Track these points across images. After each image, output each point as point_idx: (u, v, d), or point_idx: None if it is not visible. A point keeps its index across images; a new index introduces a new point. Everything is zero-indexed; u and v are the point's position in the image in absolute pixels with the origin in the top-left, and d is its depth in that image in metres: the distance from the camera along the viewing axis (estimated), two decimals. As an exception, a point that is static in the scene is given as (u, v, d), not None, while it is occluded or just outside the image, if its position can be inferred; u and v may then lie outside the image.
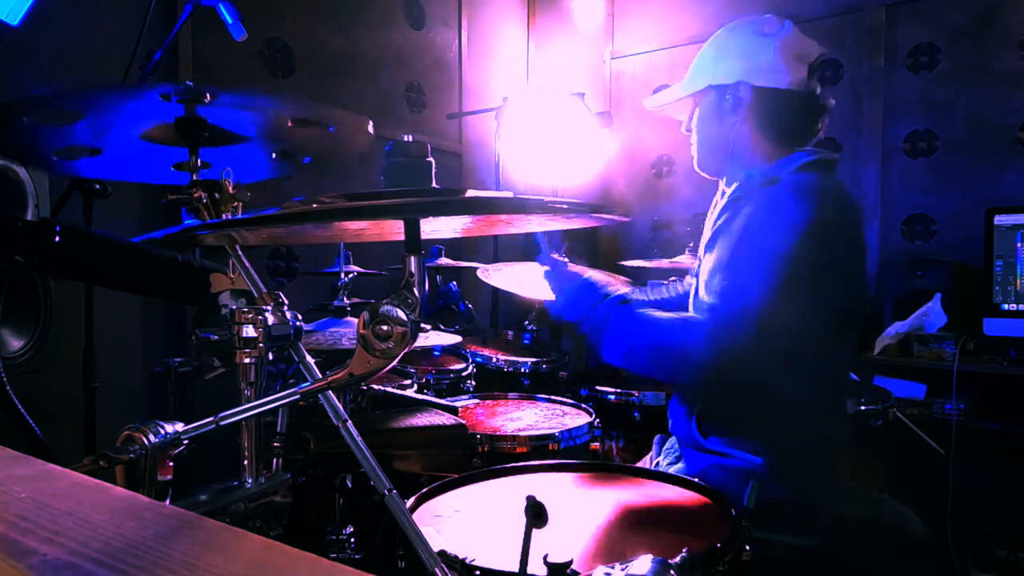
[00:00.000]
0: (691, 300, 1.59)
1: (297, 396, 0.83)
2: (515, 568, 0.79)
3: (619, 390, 2.24)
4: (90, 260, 1.12)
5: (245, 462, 0.96)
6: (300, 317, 0.96)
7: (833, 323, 1.33)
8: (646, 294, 1.84)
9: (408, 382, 1.92)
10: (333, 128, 1.14)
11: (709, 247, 1.51)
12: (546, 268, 1.49)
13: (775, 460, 1.37)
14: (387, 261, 2.81)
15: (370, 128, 1.15)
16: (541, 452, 1.59)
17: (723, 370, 1.26)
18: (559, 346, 3.14)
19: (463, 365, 2.25)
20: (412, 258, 0.78)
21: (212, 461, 1.15)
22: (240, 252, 0.97)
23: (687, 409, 1.50)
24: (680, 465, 1.51)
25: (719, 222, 1.51)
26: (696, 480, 1.23)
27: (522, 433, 1.64)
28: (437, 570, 0.79)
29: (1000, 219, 2.67)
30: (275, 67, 2.80)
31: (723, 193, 1.56)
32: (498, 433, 1.64)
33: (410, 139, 2.04)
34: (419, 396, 1.60)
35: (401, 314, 0.76)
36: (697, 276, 1.55)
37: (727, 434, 1.42)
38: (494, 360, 2.36)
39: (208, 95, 0.97)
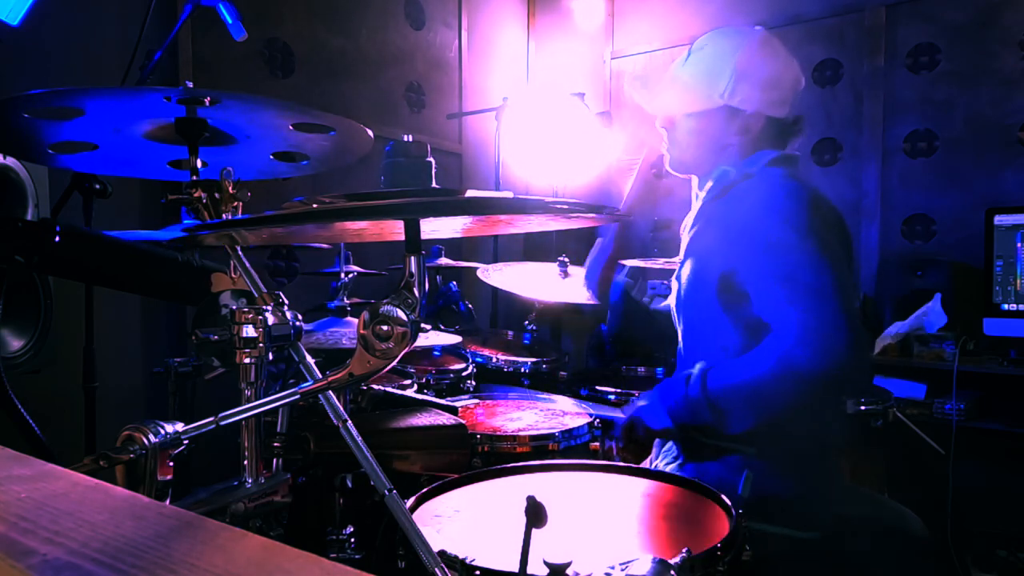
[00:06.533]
0: (674, 303, 1.59)
1: (297, 396, 0.83)
2: (515, 568, 0.79)
3: (619, 390, 2.24)
4: (90, 260, 1.12)
5: (245, 462, 0.96)
6: (300, 317, 0.96)
7: None
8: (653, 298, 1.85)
9: (408, 382, 1.92)
10: (334, 132, 1.14)
11: (690, 251, 1.53)
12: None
13: (773, 457, 1.37)
14: (387, 261, 2.81)
15: (370, 133, 1.15)
16: (541, 452, 1.59)
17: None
18: (559, 346, 3.14)
19: (463, 365, 2.25)
20: (412, 258, 0.78)
21: (212, 461, 1.15)
22: (240, 252, 0.97)
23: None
24: (677, 464, 1.52)
25: (696, 228, 1.55)
26: (696, 480, 1.23)
27: (522, 433, 1.64)
28: (437, 570, 0.79)
29: (1000, 219, 2.67)
30: (275, 67, 2.80)
31: (698, 196, 1.59)
32: (498, 433, 1.64)
33: (410, 139, 2.04)
34: (419, 396, 1.60)
35: (401, 314, 0.76)
36: (679, 279, 1.56)
37: (727, 436, 1.42)
38: (494, 360, 2.36)
39: (208, 99, 0.97)
